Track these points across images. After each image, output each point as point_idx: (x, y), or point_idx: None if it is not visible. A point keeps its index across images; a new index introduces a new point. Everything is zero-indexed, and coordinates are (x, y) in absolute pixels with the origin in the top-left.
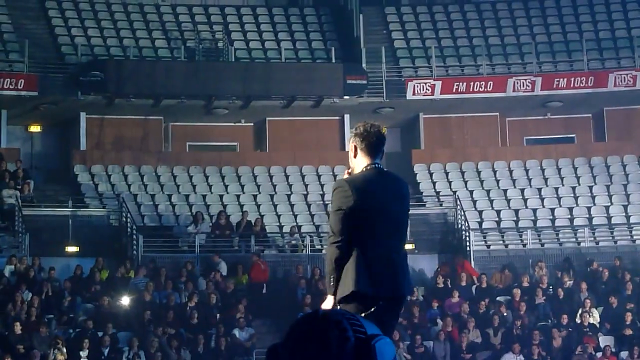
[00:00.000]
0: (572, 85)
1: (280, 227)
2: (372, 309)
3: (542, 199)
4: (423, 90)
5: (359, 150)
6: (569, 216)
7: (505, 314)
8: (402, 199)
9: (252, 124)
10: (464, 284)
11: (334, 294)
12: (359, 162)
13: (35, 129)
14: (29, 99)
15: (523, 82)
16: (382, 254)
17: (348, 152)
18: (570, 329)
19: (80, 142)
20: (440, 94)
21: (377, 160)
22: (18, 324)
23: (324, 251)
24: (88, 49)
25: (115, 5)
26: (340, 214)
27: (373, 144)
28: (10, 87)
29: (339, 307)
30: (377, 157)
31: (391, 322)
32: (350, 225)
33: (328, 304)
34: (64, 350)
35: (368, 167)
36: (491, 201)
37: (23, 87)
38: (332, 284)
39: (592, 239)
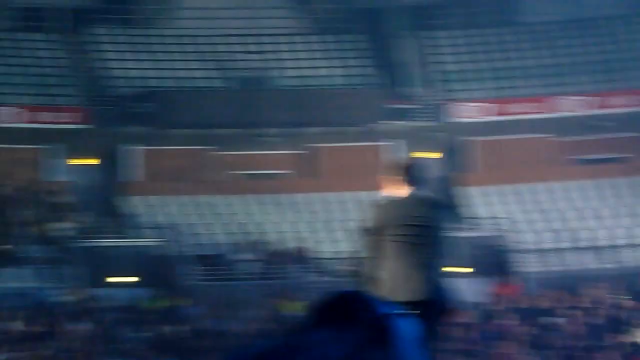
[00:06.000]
0: (625, 104)
1: (336, 253)
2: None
3: (600, 220)
4: (474, 112)
5: (402, 182)
6: (628, 236)
7: (561, 334)
8: (431, 219)
9: (302, 151)
10: (519, 305)
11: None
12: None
13: (90, 161)
14: (84, 131)
15: (575, 102)
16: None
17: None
18: (629, 349)
19: (134, 173)
20: (492, 115)
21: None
22: (77, 354)
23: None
24: (140, 81)
25: (170, 37)
26: None
27: (415, 176)
28: (68, 120)
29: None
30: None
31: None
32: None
33: None
34: None
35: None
36: (547, 222)
37: (79, 120)
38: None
39: None
